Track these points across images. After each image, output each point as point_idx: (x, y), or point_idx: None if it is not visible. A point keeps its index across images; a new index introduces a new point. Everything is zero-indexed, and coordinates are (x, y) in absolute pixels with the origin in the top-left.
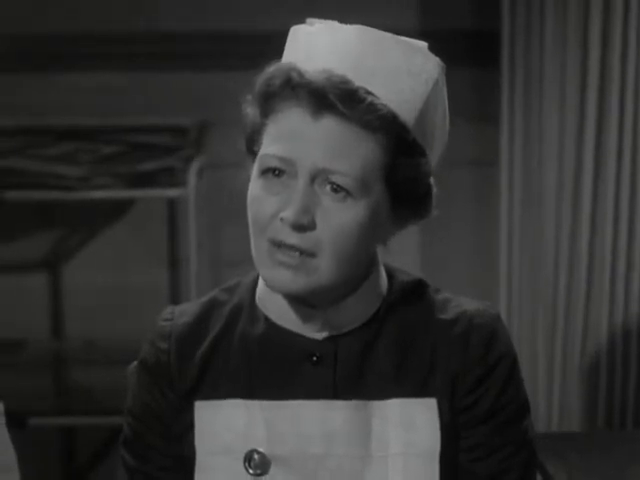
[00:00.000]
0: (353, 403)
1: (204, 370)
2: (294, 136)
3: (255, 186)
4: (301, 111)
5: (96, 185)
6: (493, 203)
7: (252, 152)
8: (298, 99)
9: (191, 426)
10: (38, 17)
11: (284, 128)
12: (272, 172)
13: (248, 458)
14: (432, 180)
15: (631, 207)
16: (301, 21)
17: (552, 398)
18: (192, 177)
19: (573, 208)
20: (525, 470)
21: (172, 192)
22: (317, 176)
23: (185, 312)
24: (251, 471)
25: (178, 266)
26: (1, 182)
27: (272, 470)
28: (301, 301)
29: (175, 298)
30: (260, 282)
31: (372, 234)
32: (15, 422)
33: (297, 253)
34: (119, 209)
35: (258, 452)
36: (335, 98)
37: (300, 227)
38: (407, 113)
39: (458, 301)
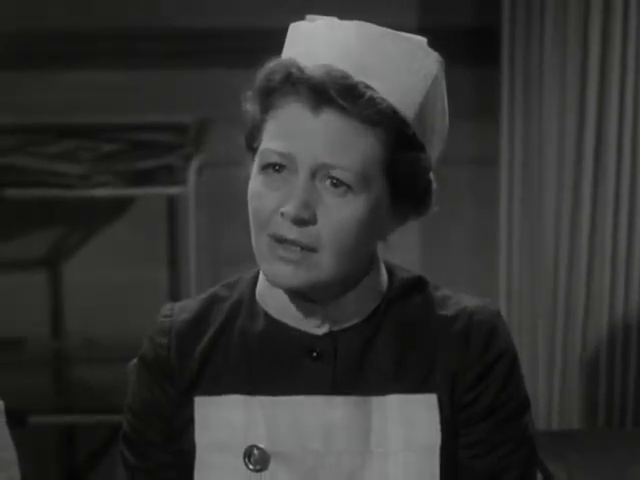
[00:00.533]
0: (353, 399)
1: (204, 365)
2: (294, 131)
3: (255, 182)
4: (301, 106)
5: (96, 183)
6: (493, 201)
7: (252, 148)
8: (298, 94)
9: (191, 421)
10: (38, 16)
11: (284, 123)
12: (272, 167)
13: (248, 454)
14: (432, 176)
15: (631, 206)
16: (301, 18)
17: (552, 395)
18: (192, 175)
19: (573, 207)
20: (525, 467)
21: (172, 190)
22: (317, 171)
23: (185, 308)
24: (251, 467)
25: (178, 264)
26: (1, 180)
27: (272, 466)
28: (301, 296)
29: (175, 296)
30: (261, 278)
31: (372, 229)
32: (15, 420)
33: (298, 248)
34: (119, 207)
35: (258, 448)
36: (335, 93)
37: (301, 222)
38: (407, 108)
39: (458, 298)
